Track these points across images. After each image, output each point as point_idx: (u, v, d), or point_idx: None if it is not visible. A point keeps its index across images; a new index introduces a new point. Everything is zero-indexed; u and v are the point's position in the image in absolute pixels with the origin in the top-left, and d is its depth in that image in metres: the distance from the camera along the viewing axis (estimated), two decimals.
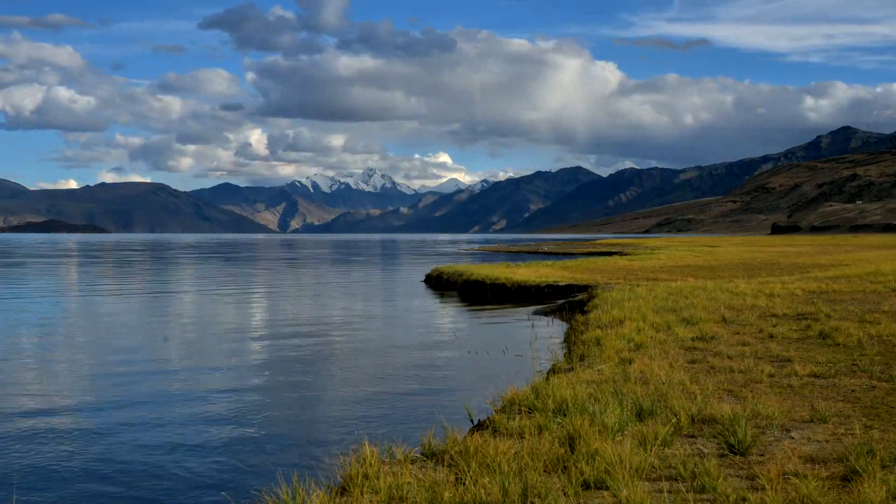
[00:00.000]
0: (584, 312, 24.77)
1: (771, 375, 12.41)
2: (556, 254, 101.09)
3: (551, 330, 24.13)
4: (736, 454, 8.30)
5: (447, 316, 32.95)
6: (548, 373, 14.31)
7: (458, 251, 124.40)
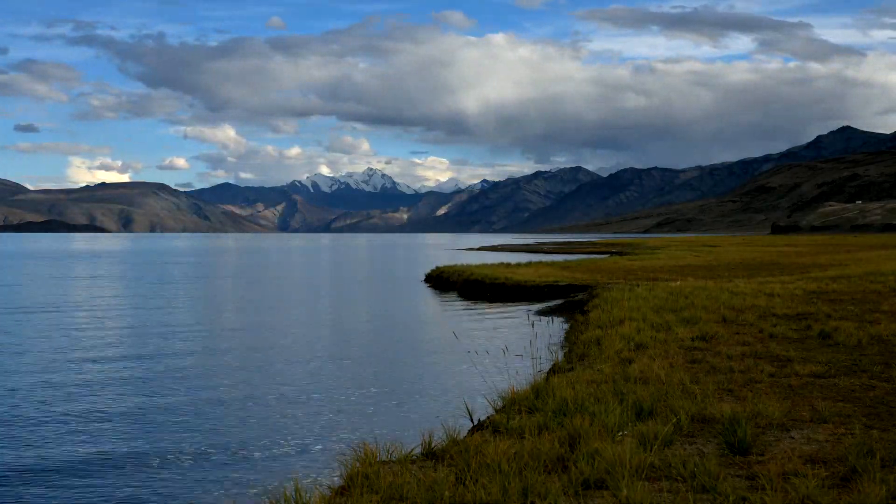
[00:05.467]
0: (584, 312, 24.79)
1: (771, 375, 12.41)
2: (556, 253, 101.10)
3: (551, 330, 24.11)
4: (736, 454, 8.30)
5: (447, 315, 32.96)
6: (548, 373, 14.31)
7: (458, 250, 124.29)
